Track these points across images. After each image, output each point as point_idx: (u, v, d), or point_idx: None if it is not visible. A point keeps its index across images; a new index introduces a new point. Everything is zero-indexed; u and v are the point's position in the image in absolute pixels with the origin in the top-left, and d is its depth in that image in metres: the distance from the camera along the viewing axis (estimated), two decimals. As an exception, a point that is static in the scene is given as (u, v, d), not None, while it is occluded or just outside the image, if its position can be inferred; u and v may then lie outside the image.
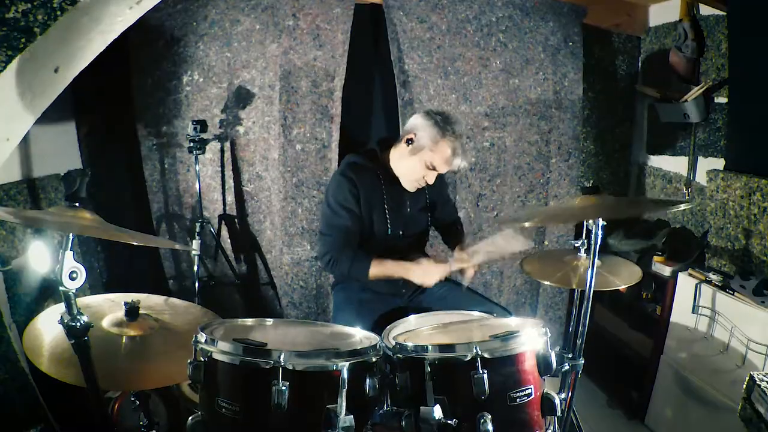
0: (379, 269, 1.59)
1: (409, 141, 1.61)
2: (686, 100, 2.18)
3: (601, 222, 1.26)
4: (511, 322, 1.35)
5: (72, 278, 0.95)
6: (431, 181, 1.65)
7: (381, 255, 1.61)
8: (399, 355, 1.11)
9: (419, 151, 1.59)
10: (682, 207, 2.25)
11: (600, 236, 1.26)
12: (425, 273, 1.56)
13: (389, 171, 1.70)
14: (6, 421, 1.48)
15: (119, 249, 2.28)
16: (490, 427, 1.00)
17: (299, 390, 0.98)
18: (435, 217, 1.84)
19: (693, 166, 2.33)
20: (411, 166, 1.63)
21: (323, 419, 0.99)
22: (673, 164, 2.46)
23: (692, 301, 1.90)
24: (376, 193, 1.66)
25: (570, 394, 1.35)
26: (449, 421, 1.01)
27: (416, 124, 1.62)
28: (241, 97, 2.24)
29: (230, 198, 2.36)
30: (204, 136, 2.12)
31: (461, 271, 1.63)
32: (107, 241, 2.11)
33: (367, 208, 1.64)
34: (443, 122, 1.58)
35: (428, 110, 1.66)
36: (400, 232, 1.71)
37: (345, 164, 1.70)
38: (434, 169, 1.60)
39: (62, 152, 2.13)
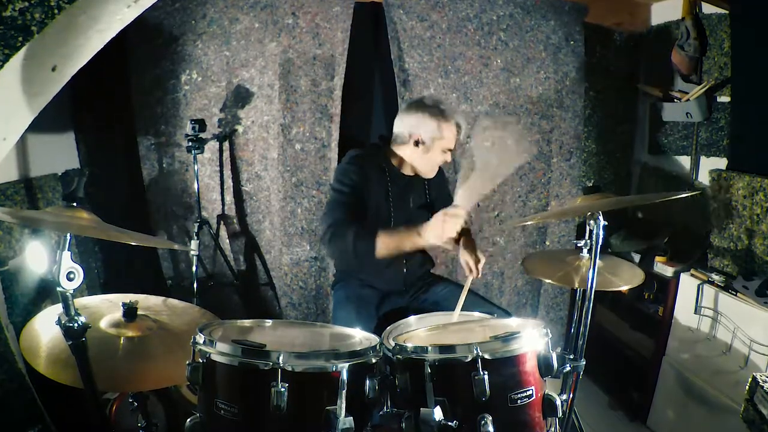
0: (387, 241, 1.44)
1: (418, 142, 1.62)
2: (689, 99, 2.17)
3: (602, 222, 1.25)
4: (512, 322, 1.34)
5: (69, 279, 0.94)
6: (449, 159, 1.68)
7: None
8: (399, 356, 1.10)
9: (431, 146, 1.62)
10: (683, 195, 2.24)
11: (601, 236, 1.25)
12: (439, 228, 1.39)
13: (395, 166, 1.69)
14: (3, 422, 1.47)
15: (117, 249, 2.27)
16: (490, 428, 0.99)
17: (298, 391, 0.97)
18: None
19: (695, 166, 2.32)
20: (430, 159, 1.65)
21: (323, 421, 0.98)
22: (676, 164, 2.45)
23: (694, 302, 1.90)
24: (382, 187, 1.65)
25: (571, 395, 1.34)
26: (450, 423, 1.00)
27: (413, 123, 1.62)
28: (240, 96, 2.23)
29: (229, 198, 2.35)
30: (203, 135, 2.11)
31: (470, 269, 1.62)
32: (105, 241, 2.09)
33: (372, 199, 1.63)
34: (437, 110, 1.60)
35: (409, 105, 1.66)
36: (402, 228, 1.70)
37: (350, 156, 1.68)
38: (450, 150, 1.65)
39: (60, 152, 2.12)
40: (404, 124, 1.64)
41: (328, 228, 1.50)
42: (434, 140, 1.61)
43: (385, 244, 1.44)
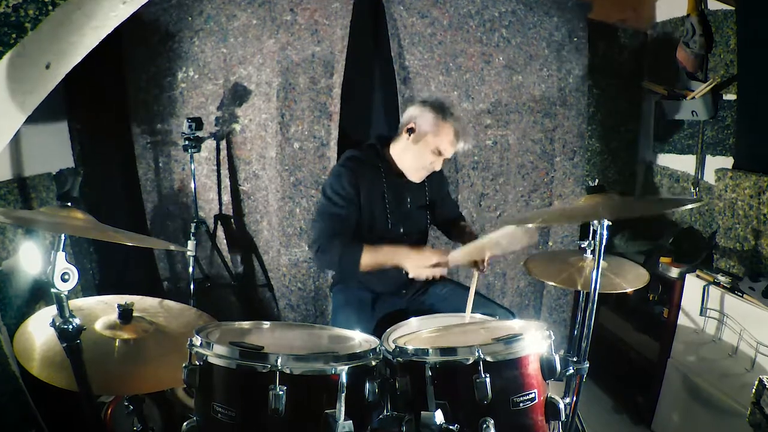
0: (371, 257, 1.52)
1: (410, 131, 1.61)
2: (694, 97, 2.15)
3: (606, 222, 1.23)
4: (515, 324, 1.33)
5: (64, 280, 0.93)
6: (438, 167, 1.64)
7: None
8: (399, 359, 1.09)
9: (422, 138, 1.59)
10: (689, 206, 2.21)
11: (605, 237, 1.23)
12: (421, 261, 1.48)
13: (391, 166, 1.68)
14: (-3, 425, 1.46)
15: (112, 250, 2.26)
16: (492, 432, 0.97)
17: (297, 394, 0.95)
18: (436, 215, 1.81)
19: (701, 165, 2.29)
20: (416, 155, 1.61)
21: (322, 424, 0.96)
22: (681, 163, 2.43)
23: (700, 303, 1.88)
24: (377, 187, 1.64)
25: (575, 398, 1.31)
26: (451, 427, 0.98)
27: (413, 114, 1.62)
28: (238, 94, 2.21)
29: (226, 197, 2.33)
30: (199, 134, 2.09)
31: (476, 265, 1.58)
32: (100, 241, 2.09)
33: (368, 201, 1.62)
34: (440, 107, 1.60)
35: (423, 99, 1.67)
36: (401, 229, 1.69)
37: (345, 157, 1.68)
38: (440, 153, 1.60)
39: (54, 150, 2.11)
40: (406, 115, 1.66)
41: (314, 241, 1.57)
42: (427, 133, 1.58)
43: (367, 262, 1.52)
